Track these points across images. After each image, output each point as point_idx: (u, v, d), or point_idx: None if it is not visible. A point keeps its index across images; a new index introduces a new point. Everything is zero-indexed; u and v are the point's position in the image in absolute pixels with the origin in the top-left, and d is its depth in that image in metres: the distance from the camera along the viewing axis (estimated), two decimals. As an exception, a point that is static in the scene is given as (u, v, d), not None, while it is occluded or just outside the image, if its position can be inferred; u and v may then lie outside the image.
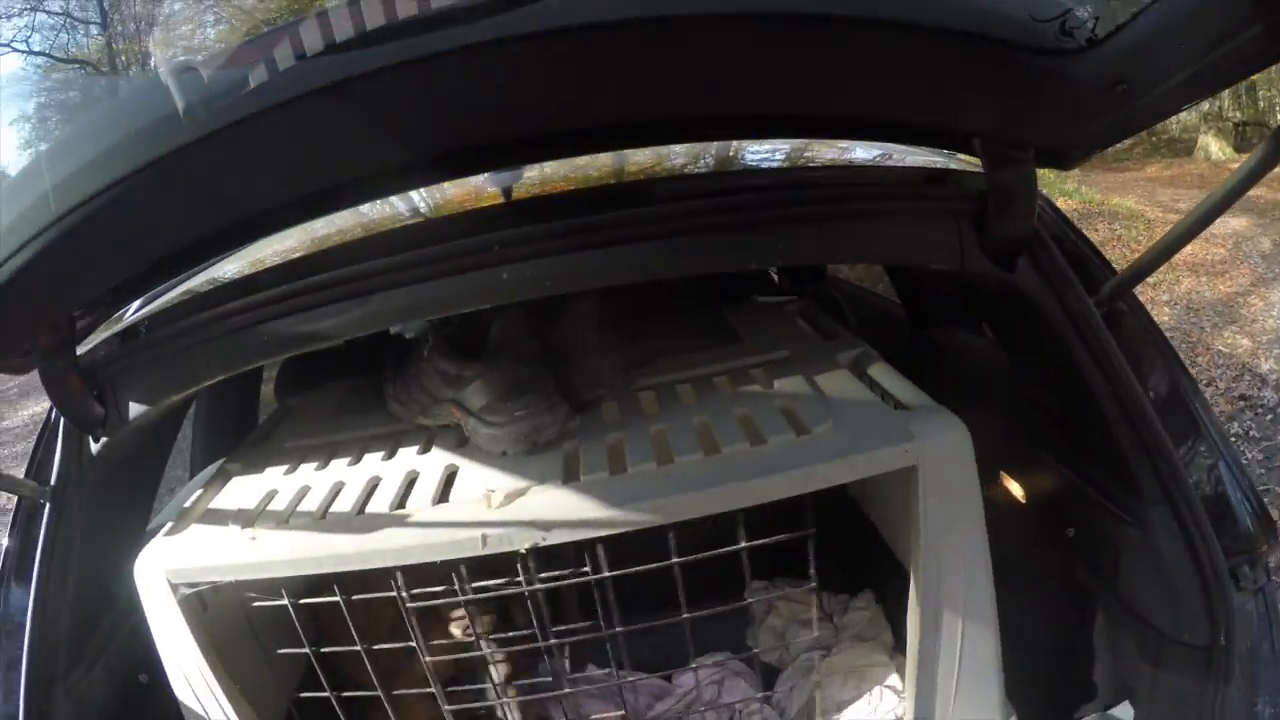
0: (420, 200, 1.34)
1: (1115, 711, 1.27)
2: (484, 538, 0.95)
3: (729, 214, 0.99)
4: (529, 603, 0.99)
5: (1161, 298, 5.53)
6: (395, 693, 1.07)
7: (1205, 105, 11.31)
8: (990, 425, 1.42)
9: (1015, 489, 1.36)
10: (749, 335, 1.36)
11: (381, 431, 1.27)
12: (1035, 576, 1.41)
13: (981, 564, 1.07)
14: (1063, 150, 0.97)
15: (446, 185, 1.28)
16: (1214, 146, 11.03)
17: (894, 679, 1.57)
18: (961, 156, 1.30)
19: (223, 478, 1.26)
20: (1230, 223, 6.83)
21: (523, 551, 0.94)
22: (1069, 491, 1.22)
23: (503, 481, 1.02)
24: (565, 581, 0.98)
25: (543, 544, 0.94)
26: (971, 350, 1.64)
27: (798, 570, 1.79)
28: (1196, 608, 1.07)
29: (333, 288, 0.97)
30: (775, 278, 2.40)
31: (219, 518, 1.11)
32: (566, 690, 1.10)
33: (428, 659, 1.03)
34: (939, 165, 1.30)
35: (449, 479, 1.09)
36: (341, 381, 1.58)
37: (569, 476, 1.01)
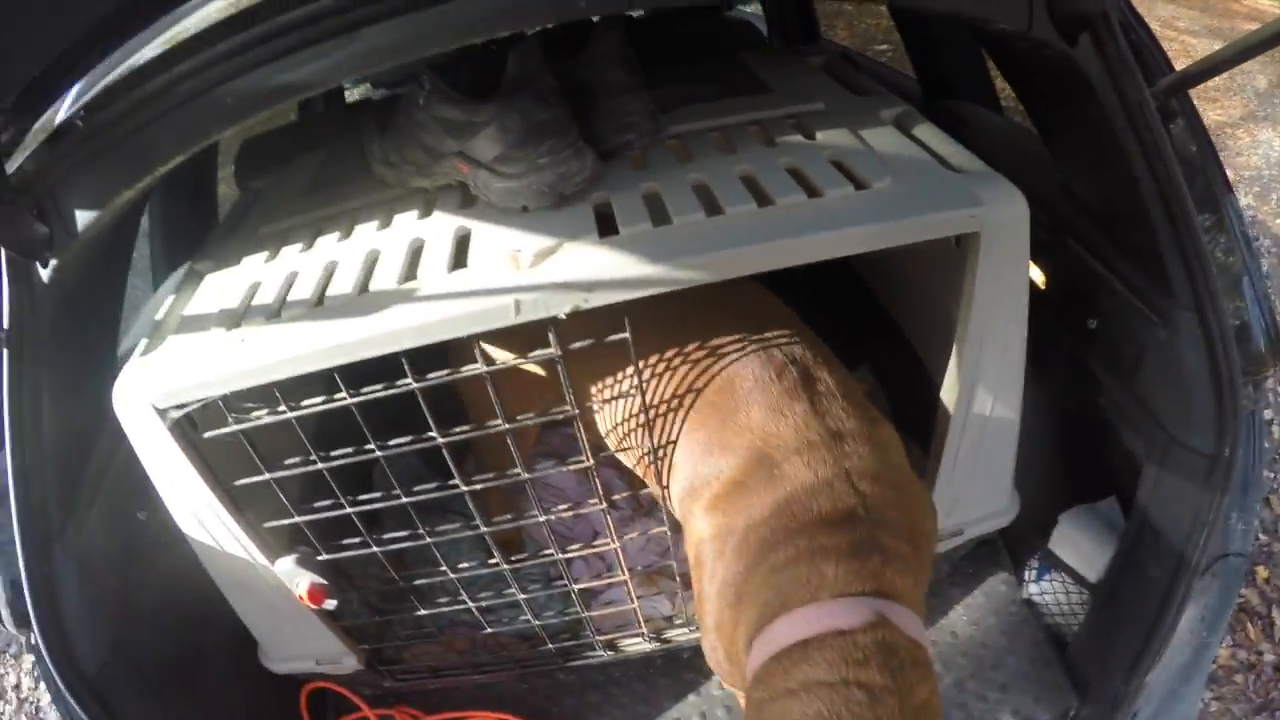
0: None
1: (1101, 505, 1.31)
2: (517, 304, 0.83)
3: None
4: (560, 371, 0.89)
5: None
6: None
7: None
8: None
9: (1037, 274, 1.33)
10: (780, 86, 1.22)
11: (371, 200, 1.12)
12: (1047, 364, 1.42)
13: (1019, 345, 1.03)
14: None
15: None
16: None
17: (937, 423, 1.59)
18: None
19: (194, 279, 1.10)
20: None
21: (562, 316, 0.84)
22: (1095, 283, 1.18)
23: (528, 241, 0.90)
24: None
25: (585, 306, 0.83)
26: (993, 126, 1.54)
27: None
28: (1209, 417, 1.08)
29: (308, 26, 0.78)
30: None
31: (198, 324, 0.96)
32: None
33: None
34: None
35: (461, 243, 0.96)
36: (313, 155, 1.38)
37: (606, 230, 0.89)
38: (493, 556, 1.06)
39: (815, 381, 0.90)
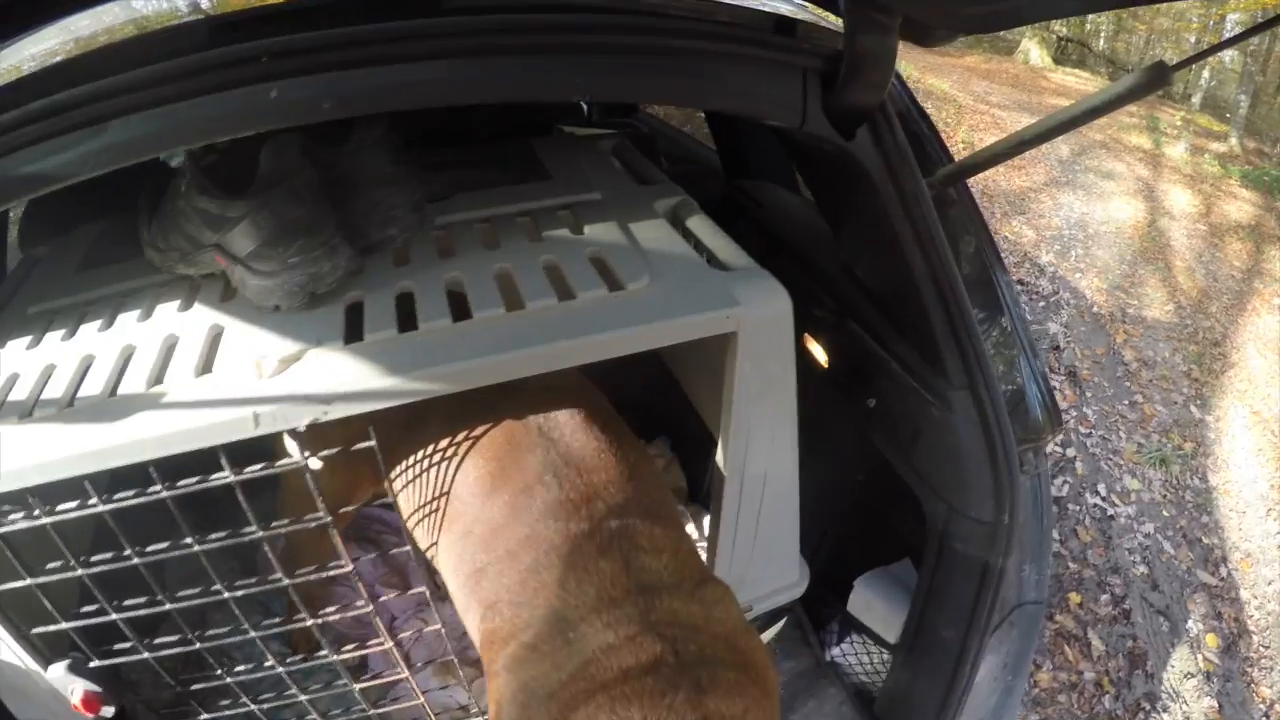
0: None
1: (895, 568, 1.36)
2: (255, 417, 0.79)
3: (542, 33, 0.82)
4: (309, 481, 0.86)
5: (960, 180, 5.82)
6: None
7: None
8: (799, 286, 1.41)
9: (818, 352, 1.37)
10: (559, 172, 1.21)
11: (137, 285, 1.05)
12: (834, 439, 1.45)
13: (789, 432, 1.05)
14: (929, 26, 0.89)
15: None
16: (1035, 52, 11.63)
17: (689, 528, 1.62)
18: (813, 9, 1.19)
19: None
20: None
21: (300, 430, 0.81)
22: (873, 363, 1.22)
23: (275, 344, 0.86)
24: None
25: (324, 419, 0.80)
26: (787, 207, 1.58)
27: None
28: (986, 488, 1.13)
29: (56, 116, 0.74)
30: (584, 106, 2.22)
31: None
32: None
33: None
34: (789, 12, 1.19)
35: (214, 342, 0.91)
36: (92, 226, 1.29)
37: (351, 335, 0.86)
38: (295, 652, 1.01)
39: (633, 536, 0.85)
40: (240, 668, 1.04)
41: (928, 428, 1.16)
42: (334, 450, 0.86)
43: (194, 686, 1.05)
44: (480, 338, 0.85)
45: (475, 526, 0.89)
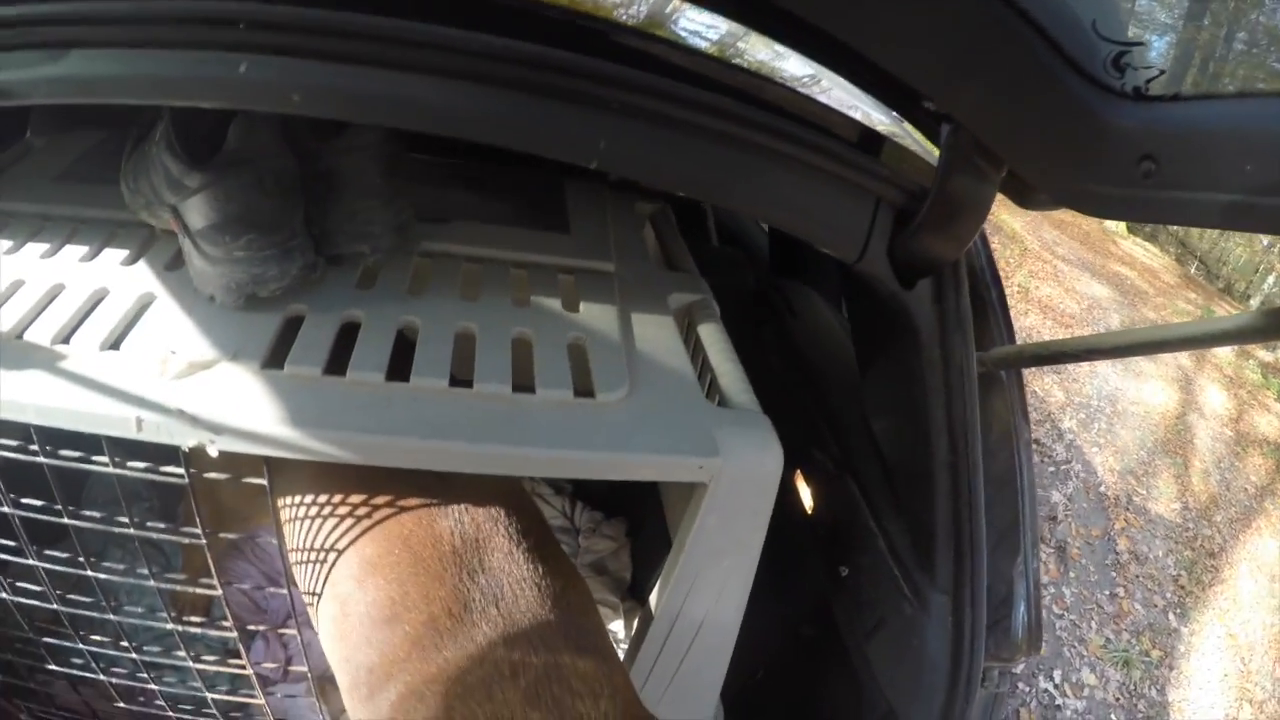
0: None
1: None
2: (139, 421, 0.68)
3: (597, 83, 0.69)
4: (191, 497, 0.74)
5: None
6: None
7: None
8: (806, 421, 1.27)
9: (805, 496, 1.24)
10: (580, 227, 1.08)
11: (102, 216, 0.95)
12: (795, 587, 1.32)
13: (739, 589, 0.92)
14: (1036, 189, 0.75)
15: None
16: None
17: (617, 625, 1.48)
18: (911, 130, 1.06)
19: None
20: (1095, 288, 7.17)
21: (185, 450, 0.69)
22: (859, 533, 1.09)
23: (193, 342, 0.75)
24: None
25: (209, 448, 0.68)
26: (822, 327, 1.43)
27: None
28: (936, 704, 1.00)
29: (12, 27, 0.65)
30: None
31: None
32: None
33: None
34: (883, 128, 1.06)
35: (138, 312, 0.80)
36: (97, 129, 1.19)
37: (272, 359, 0.74)
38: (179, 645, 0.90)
39: (564, 679, 0.73)
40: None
41: (894, 621, 1.03)
42: (222, 476, 0.74)
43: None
44: (406, 409, 0.72)
45: (369, 650, 0.76)
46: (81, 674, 0.98)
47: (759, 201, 0.83)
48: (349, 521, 0.80)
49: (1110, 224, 11.33)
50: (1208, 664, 3.55)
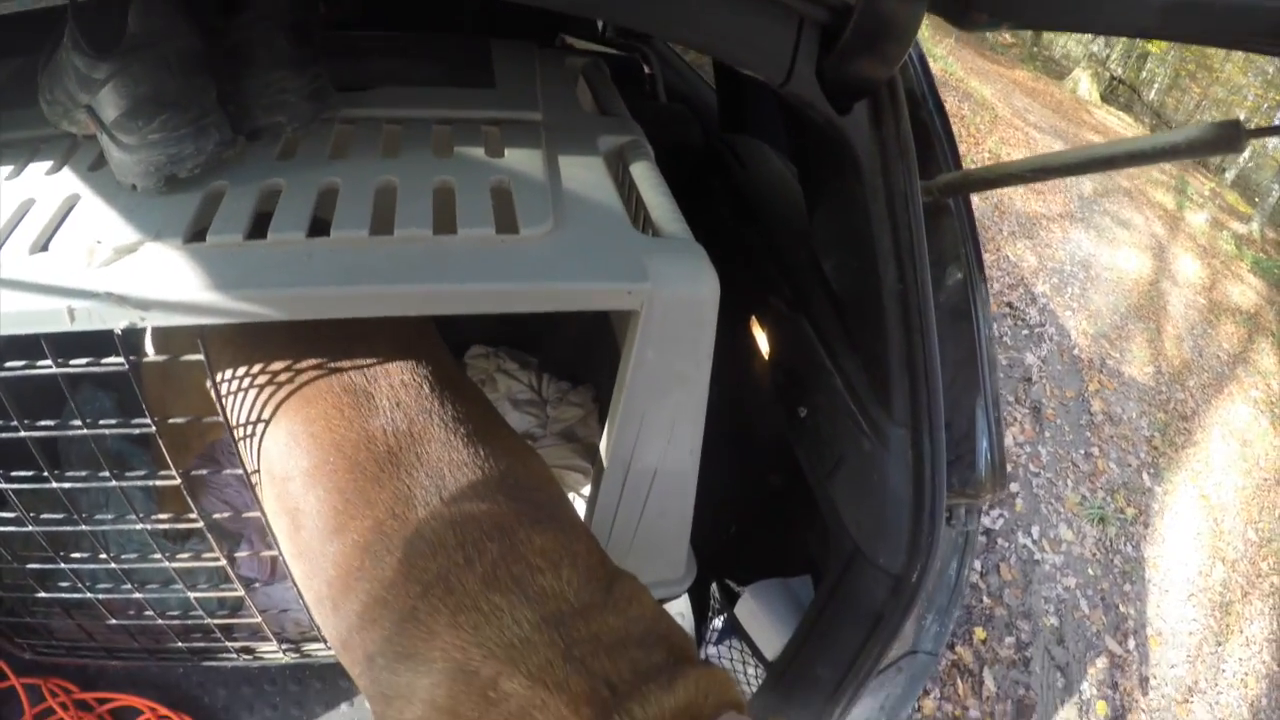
0: None
1: (794, 582, 1.27)
2: (70, 311, 0.68)
3: None
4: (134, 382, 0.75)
5: (978, 188, 5.64)
6: None
7: (1094, 47, 11.52)
8: (758, 266, 1.26)
9: (762, 342, 1.24)
10: (506, 82, 1.05)
11: (25, 136, 0.92)
12: (757, 434, 1.33)
13: (691, 431, 0.92)
14: (972, 7, 0.73)
15: None
16: (1085, 84, 11.38)
17: (590, 489, 1.50)
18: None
19: None
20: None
21: (117, 333, 0.69)
22: (816, 373, 1.10)
23: (117, 229, 0.74)
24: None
25: (140, 326, 0.69)
26: (771, 174, 1.41)
27: (524, 343, 1.64)
28: (901, 540, 1.01)
29: None
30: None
31: None
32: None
33: None
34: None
35: (62, 216, 0.79)
36: (12, 57, 1.14)
37: (194, 233, 0.74)
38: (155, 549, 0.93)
39: (523, 556, 0.72)
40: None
41: (854, 458, 1.04)
42: (161, 358, 0.75)
43: (30, 565, 0.97)
44: (327, 261, 0.72)
45: (325, 564, 0.76)
46: (69, 595, 1.00)
47: (676, 23, 0.80)
48: (282, 386, 0.80)
49: (1084, 91, 11.17)
50: (1181, 523, 3.68)
